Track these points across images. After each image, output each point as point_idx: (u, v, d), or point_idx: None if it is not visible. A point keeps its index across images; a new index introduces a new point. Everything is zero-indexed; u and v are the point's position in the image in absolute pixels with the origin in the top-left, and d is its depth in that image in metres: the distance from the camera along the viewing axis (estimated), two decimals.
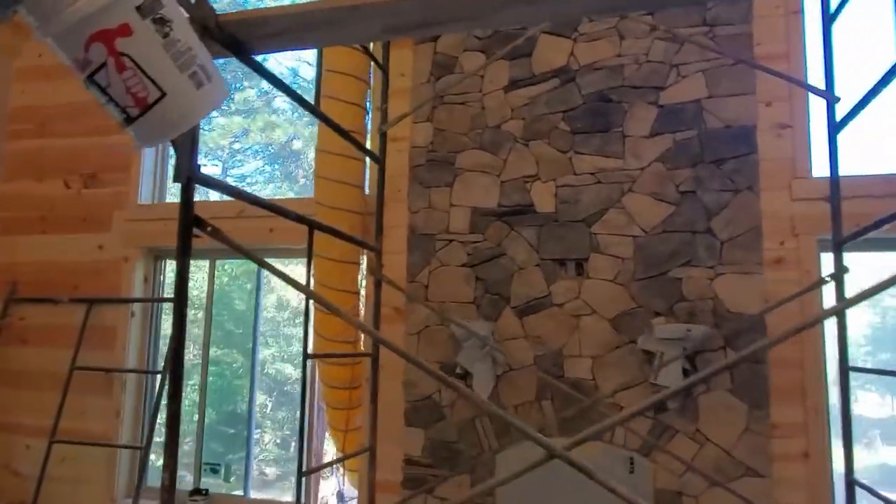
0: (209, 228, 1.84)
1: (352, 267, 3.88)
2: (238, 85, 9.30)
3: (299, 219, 2.45)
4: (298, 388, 4.58)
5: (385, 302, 3.85)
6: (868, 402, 10.62)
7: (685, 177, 3.53)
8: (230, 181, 10.54)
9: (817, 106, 3.50)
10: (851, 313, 4.30)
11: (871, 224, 2.50)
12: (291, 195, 10.54)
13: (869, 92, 2.41)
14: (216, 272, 4.66)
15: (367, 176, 4.06)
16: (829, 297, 3.41)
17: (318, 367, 3.99)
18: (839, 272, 2.68)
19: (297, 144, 9.65)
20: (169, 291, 4.58)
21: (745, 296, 3.38)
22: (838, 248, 2.70)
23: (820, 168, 3.47)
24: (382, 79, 3.41)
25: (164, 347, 4.54)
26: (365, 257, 4.08)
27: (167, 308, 4.57)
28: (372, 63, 3.87)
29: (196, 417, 4.45)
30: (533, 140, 3.80)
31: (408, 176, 4.00)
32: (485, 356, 3.57)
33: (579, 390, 3.54)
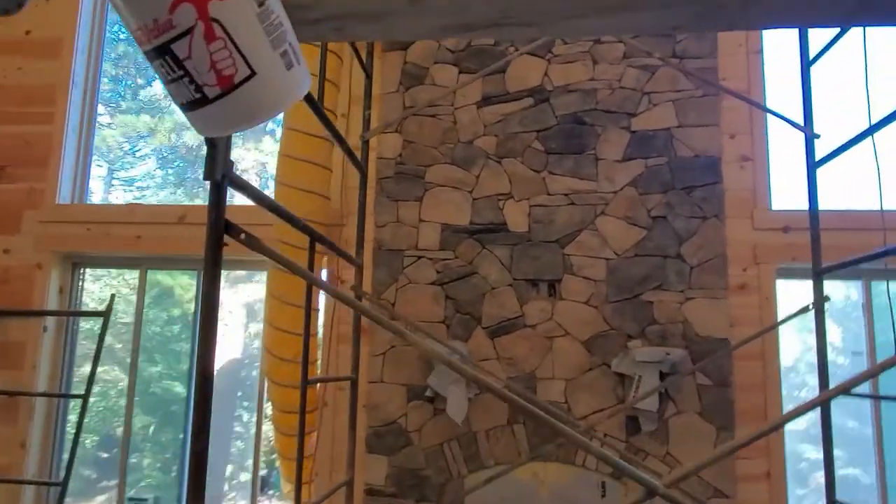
0: (243, 235, 1.59)
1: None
2: (149, 80, 8.60)
3: (304, 228, 2.22)
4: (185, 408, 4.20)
5: (343, 320, 3.63)
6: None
7: (657, 202, 3.60)
8: (115, 184, 9.77)
9: (777, 141, 3.71)
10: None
11: (853, 259, 2.63)
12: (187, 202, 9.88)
13: (854, 137, 2.53)
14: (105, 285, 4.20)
15: (334, 185, 3.82)
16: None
17: (269, 390, 3.67)
18: (819, 301, 2.80)
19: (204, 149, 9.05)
20: (89, 303, 4.07)
21: (713, 319, 3.47)
22: (818, 277, 2.83)
23: (779, 200, 3.66)
24: (366, 84, 3.23)
25: (82, 368, 4.01)
26: (325, 270, 3.82)
27: (85, 324, 4.05)
28: (339, 65, 3.68)
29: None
30: (506, 157, 3.74)
31: (374, 188, 3.81)
32: (459, 378, 3.42)
33: (550, 414, 3.48)
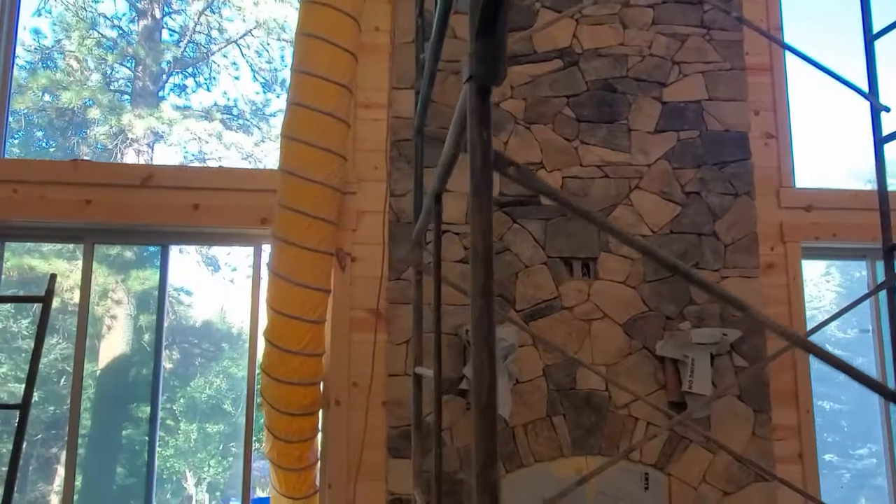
0: (512, 168, 1.12)
1: (326, 259, 3.03)
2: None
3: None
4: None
5: (358, 304, 3.11)
6: None
7: (690, 177, 3.43)
8: None
9: (798, 119, 3.68)
10: None
11: None
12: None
13: None
14: None
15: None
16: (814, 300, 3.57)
17: (266, 387, 3.05)
18: (891, 279, 2.75)
19: (93, 113, 7.79)
20: (9, 285, 3.16)
21: (748, 300, 3.36)
22: (889, 254, 2.78)
23: (801, 178, 3.64)
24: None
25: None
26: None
27: (14, 311, 3.15)
28: None
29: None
30: (535, 124, 3.39)
31: (387, 151, 3.29)
32: (502, 369, 3.04)
33: (592, 402, 3.20)
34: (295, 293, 2.93)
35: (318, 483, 3.18)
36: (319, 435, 3.17)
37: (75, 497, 3.08)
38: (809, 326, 3.50)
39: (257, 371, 3.17)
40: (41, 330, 2.82)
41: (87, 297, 3.16)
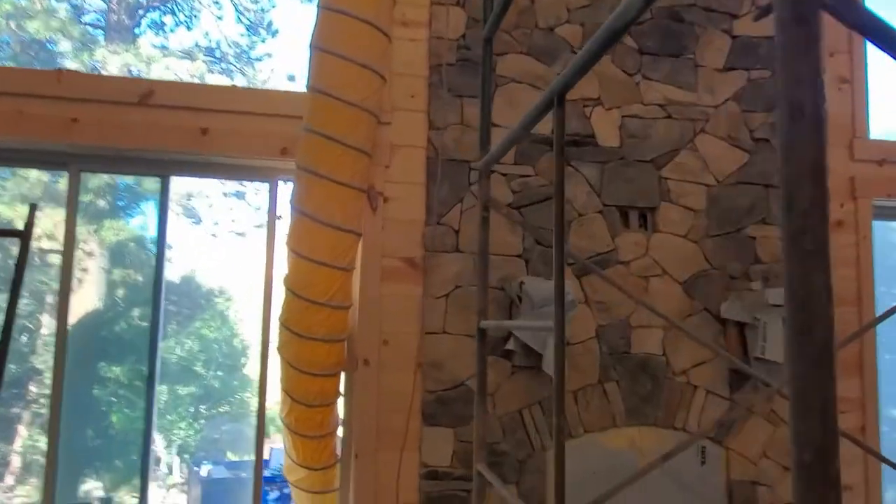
0: None
1: (358, 197, 2.61)
2: None
3: None
4: None
5: (390, 252, 2.71)
6: None
7: (760, 121, 3.08)
8: None
9: (876, 64, 3.34)
10: None
11: None
12: None
13: None
14: None
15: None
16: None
17: (285, 345, 2.64)
18: None
19: (64, 45, 7.09)
20: None
21: None
22: None
23: (876, 130, 3.31)
24: None
25: None
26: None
27: None
28: None
29: None
30: None
31: (426, 77, 2.86)
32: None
33: (648, 368, 2.88)
34: (323, 235, 2.51)
35: (338, 452, 2.81)
36: (341, 399, 2.79)
37: (42, 458, 2.67)
38: (878, 290, 3.22)
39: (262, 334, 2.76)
40: (20, 269, 2.37)
41: (72, 234, 2.69)
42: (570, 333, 2.77)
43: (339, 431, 2.81)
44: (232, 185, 8.03)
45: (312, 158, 2.47)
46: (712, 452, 2.91)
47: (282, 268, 2.70)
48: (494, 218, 2.79)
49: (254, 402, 6.12)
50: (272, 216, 2.82)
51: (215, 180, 7.44)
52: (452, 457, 2.67)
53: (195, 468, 10.14)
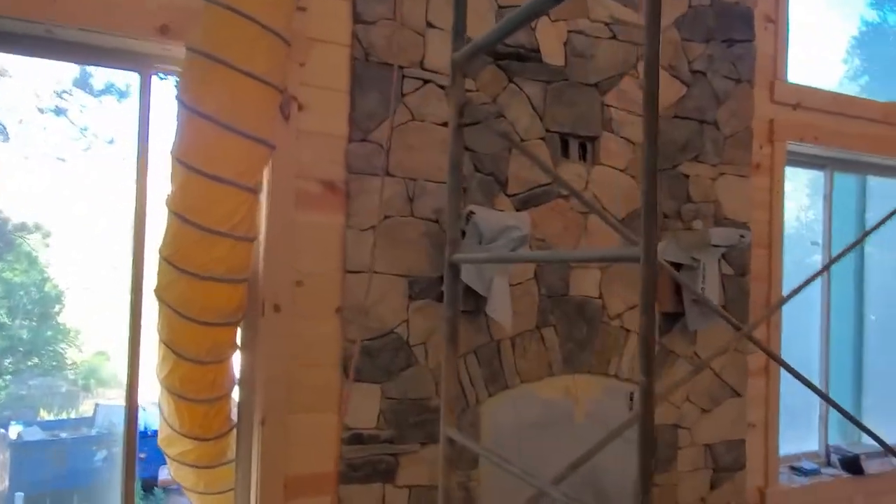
0: None
1: (272, 96, 2.03)
2: None
3: None
4: None
5: (306, 172, 2.21)
6: None
7: (698, 53, 2.92)
8: None
9: (797, 7, 3.31)
10: None
11: None
12: None
13: None
14: None
15: None
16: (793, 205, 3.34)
17: (167, 287, 2.04)
18: None
19: None
20: None
21: (740, 201, 3.02)
22: None
23: (794, 73, 3.30)
24: None
25: None
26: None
27: None
28: None
29: None
30: None
31: None
32: (504, 268, 2.34)
33: (584, 312, 2.66)
34: (227, 143, 1.93)
35: (234, 417, 2.30)
36: (237, 354, 2.26)
37: None
38: (788, 231, 3.27)
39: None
40: None
41: None
42: (511, 274, 2.45)
43: (235, 393, 2.29)
44: (49, 100, 6.65)
45: (216, 40, 1.85)
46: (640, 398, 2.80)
47: (161, 187, 2.07)
48: (428, 139, 2.38)
49: (71, 355, 5.19)
50: (144, 115, 2.14)
51: (27, 91, 6.06)
52: (379, 417, 2.28)
53: (2, 430, 8.73)
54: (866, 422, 3.76)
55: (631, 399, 2.78)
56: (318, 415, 2.22)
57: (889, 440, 3.43)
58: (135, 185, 2.12)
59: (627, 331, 2.75)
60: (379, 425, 2.28)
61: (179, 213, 1.96)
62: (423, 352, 2.35)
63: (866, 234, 2.45)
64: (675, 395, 2.85)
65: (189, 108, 1.91)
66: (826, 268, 2.45)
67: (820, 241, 3.58)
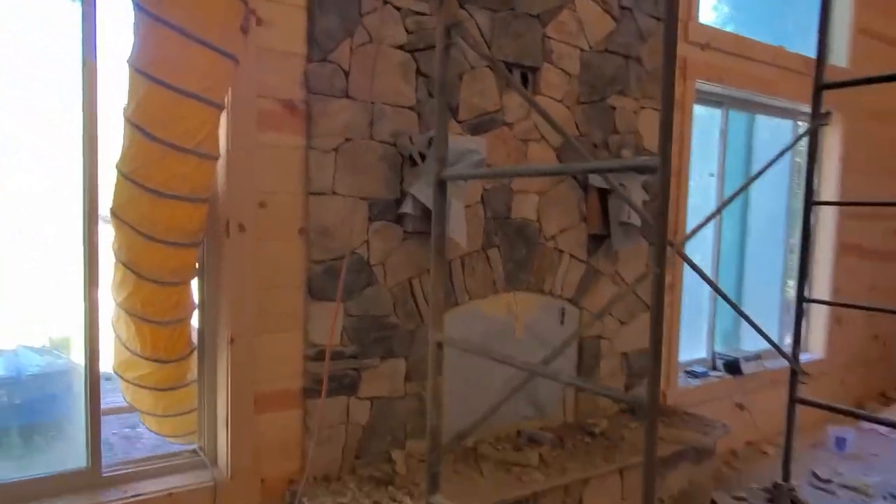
0: None
1: (237, 6, 1.96)
2: None
3: None
4: None
5: (267, 92, 2.19)
6: None
7: None
8: None
9: None
10: None
11: (861, 78, 2.75)
12: None
13: None
14: None
15: None
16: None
17: (125, 204, 1.97)
18: (817, 117, 2.86)
19: None
20: None
21: (656, 134, 3.28)
22: (818, 91, 2.88)
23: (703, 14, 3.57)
24: None
25: None
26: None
27: None
28: None
29: None
30: None
31: None
32: (459, 189, 2.44)
33: (524, 234, 2.85)
34: (193, 55, 1.86)
35: (195, 340, 2.29)
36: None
37: None
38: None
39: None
40: None
41: None
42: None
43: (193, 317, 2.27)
44: None
45: None
46: (570, 312, 3.07)
47: (116, 97, 1.96)
48: (385, 63, 2.40)
49: None
50: (88, 12, 1.98)
51: None
52: (342, 334, 2.36)
53: None
54: (742, 332, 4.32)
55: (562, 315, 3.04)
56: (283, 334, 2.27)
57: (757, 347, 3.97)
58: (82, 95, 1.98)
59: (560, 251, 2.98)
60: (343, 342, 2.36)
61: (142, 126, 1.88)
62: (381, 272, 2.44)
63: (755, 177, 2.78)
64: (597, 308, 3.14)
65: (151, 14, 1.81)
66: (729, 201, 2.77)
67: (714, 173, 3.98)
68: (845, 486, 3.44)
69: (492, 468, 2.52)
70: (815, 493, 3.29)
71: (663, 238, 1.19)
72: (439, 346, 1.81)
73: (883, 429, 4.43)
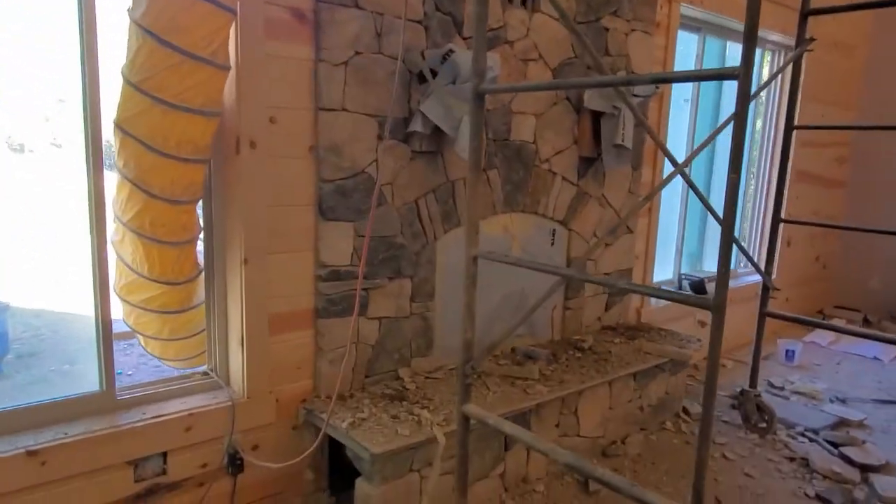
0: None
1: None
2: None
3: None
4: None
5: None
6: None
7: None
8: None
9: None
10: None
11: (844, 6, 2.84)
12: None
13: None
14: None
15: None
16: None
17: (135, 117, 1.84)
18: (802, 41, 2.93)
19: None
20: None
21: (645, 57, 3.31)
22: (804, 18, 2.94)
23: None
24: None
25: None
26: None
27: None
28: None
29: None
30: None
31: None
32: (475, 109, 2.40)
33: (522, 156, 2.86)
34: None
35: (201, 261, 2.22)
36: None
37: None
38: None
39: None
40: None
41: None
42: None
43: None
44: None
45: None
46: (560, 233, 3.14)
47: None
48: None
49: None
50: None
51: None
52: (353, 254, 2.34)
53: None
54: (705, 254, 4.53)
55: (553, 235, 3.11)
56: (295, 254, 2.23)
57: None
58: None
59: (554, 174, 3.01)
60: (352, 262, 2.35)
61: (154, 31, 1.75)
62: (390, 192, 2.41)
63: (719, 130, 2.85)
64: (587, 231, 3.22)
65: None
66: (710, 139, 2.84)
67: (689, 98, 4.06)
68: (797, 392, 3.76)
69: (497, 382, 2.61)
70: (772, 398, 3.58)
71: (739, 149, 1.22)
72: (474, 260, 1.83)
73: (823, 342, 4.83)
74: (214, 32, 1.83)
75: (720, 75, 1.24)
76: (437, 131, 2.38)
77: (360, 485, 2.12)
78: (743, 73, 1.20)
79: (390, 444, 2.02)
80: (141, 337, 2.33)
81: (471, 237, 1.81)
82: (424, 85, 2.35)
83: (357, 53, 2.23)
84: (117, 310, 2.08)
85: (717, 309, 1.26)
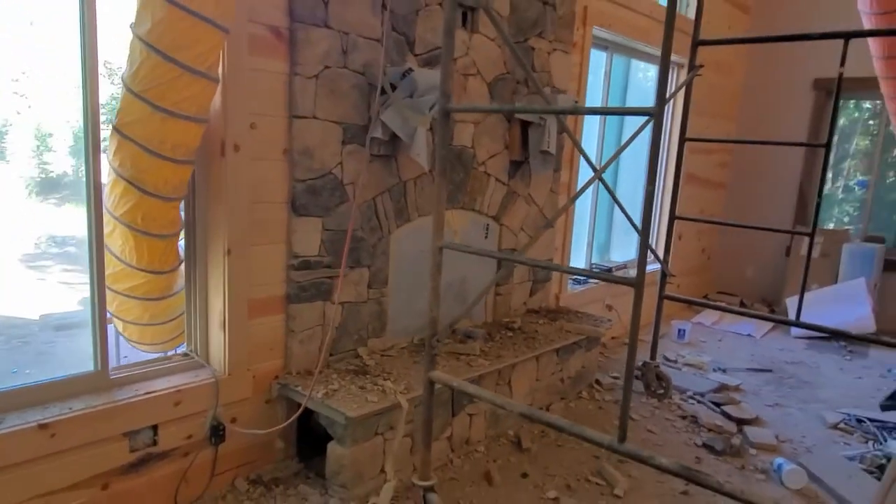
0: None
1: None
2: None
3: None
4: None
5: (256, 18, 2.35)
6: None
7: None
8: None
9: None
10: None
11: (732, 38, 3.40)
12: None
13: None
14: None
15: None
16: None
17: (134, 124, 2.05)
18: (693, 68, 3.48)
19: None
20: None
21: (564, 73, 3.77)
22: (695, 47, 3.49)
23: None
24: None
25: None
26: None
27: None
28: None
29: None
30: None
31: None
32: (426, 117, 2.74)
33: (462, 159, 3.23)
34: None
35: (181, 253, 2.44)
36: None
37: None
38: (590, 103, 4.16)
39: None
40: None
41: None
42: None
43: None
44: None
45: None
46: (492, 228, 3.54)
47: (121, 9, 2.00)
48: None
49: None
50: None
51: None
52: (320, 246, 2.62)
53: None
54: (612, 246, 5.08)
55: (486, 229, 3.50)
56: (270, 246, 2.49)
57: (623, 257, 4.70)
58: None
59: (489, 175, 3.41)
60: (320, 253, 2.63)
61: (158, 48, 1.97)
62: (352, 190, 2.71)
63: (626, 144, 3.34)
64: (515, 226, 3.65)
65: None
66: (621, 150, 3.34)
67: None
68: (688, 364, 4.38)
69: (445, 357, 2.98)
70: (666, 369, 4.17)
71: (655, 168, 1.64)
72: (440, 250, 2.18)
73: (707, 322, 5.55)
74: (210, 49, 2.07)
75: (643, 112, 1.66)
76: (394, 138, 2.71)
77: (333, 447, 2.42)
78: (657, 113, 1.62)
79: (363, 409, 2.34)
80: (120, 322, 2.50)
81: (437, 230, 2.15)
82: (384, 97, 2.66)
83: (326, 67, 2.52)
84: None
85: (638, 286, 1.68)
